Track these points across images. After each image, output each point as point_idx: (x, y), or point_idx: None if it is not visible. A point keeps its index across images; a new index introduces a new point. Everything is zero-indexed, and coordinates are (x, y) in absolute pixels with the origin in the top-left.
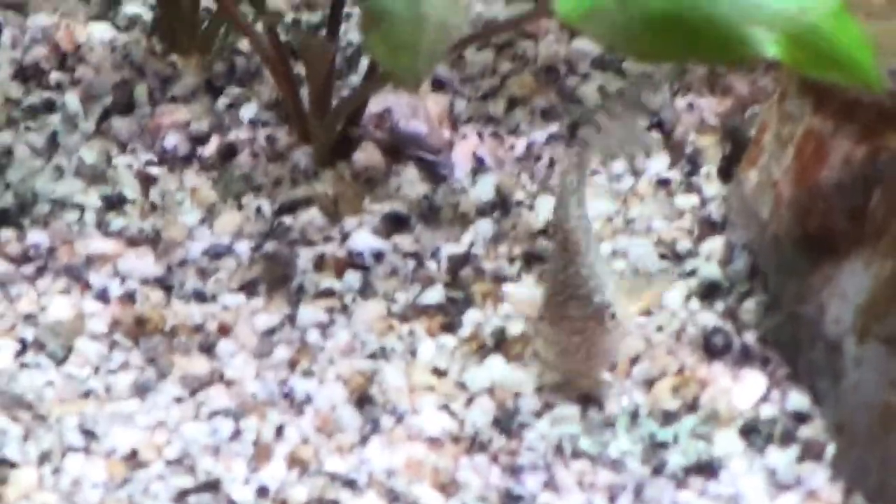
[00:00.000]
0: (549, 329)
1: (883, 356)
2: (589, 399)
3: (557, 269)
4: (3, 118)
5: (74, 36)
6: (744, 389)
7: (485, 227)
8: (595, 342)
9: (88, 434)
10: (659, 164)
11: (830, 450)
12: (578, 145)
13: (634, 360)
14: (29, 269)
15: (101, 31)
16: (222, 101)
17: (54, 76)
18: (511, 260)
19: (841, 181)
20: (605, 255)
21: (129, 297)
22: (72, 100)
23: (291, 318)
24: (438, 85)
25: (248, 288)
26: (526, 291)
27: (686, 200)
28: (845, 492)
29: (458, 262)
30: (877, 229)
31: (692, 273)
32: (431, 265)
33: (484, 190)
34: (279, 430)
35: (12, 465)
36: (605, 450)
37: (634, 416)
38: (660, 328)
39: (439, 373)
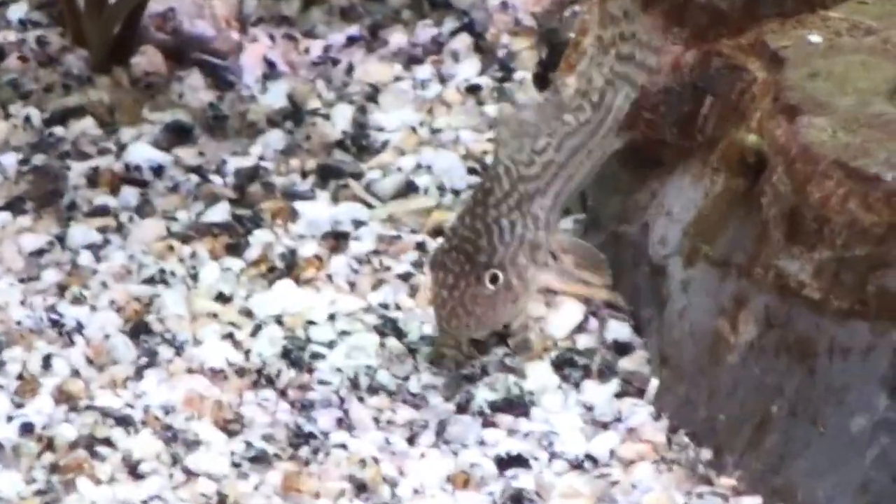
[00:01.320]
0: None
1: (713, 280)
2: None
3: (462, 212)
4: None
5: None
6: (559, 317)
7: (275, 138)
8: (464, 303)
9: None
10: (468, 68)
11: (654, 384)
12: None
13: None
14: None
15: None
16: None
17: None
18: (304, 174)
19: (669, 88)
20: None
21: None
22: None
23: (61, 239)
24: None
25: (14, 205)
26: (320, 209)
27: (497, 109)
28: (669, 430)
29: (246, 177)
30: (707, 141)
31: None
32: (216, 180)
33: (275, 97)
34: (46, 362)
35: None
36: (405, 384)
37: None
38: None
39: (224, 299)
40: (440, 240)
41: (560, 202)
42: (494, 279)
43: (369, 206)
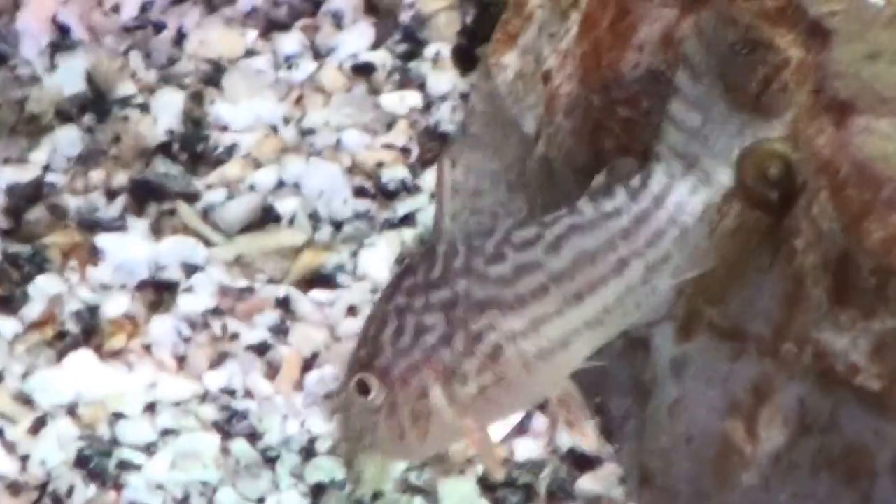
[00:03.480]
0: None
1: (720, 360)
2: None
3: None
4: None
5: None
6: None
7: (68, 139)
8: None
9: None
10: (357, 38)
11: None
12: None
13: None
14: None
15: None
16: None
17: None
18: (110, 194)
19: (655, 72)
20: None
21: None
22: None
23: None
24: None
25: None
26: (135, 246)
27: (399, 100)
28: None
29: (23, 197)
30: None
31: (407, 221)
32: None
33: (68, 78)
34: None
35: None
36: None
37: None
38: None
39: None
40: (313, 293)
41: (554, 344)
42: (364, 388)
43: (208, 242)
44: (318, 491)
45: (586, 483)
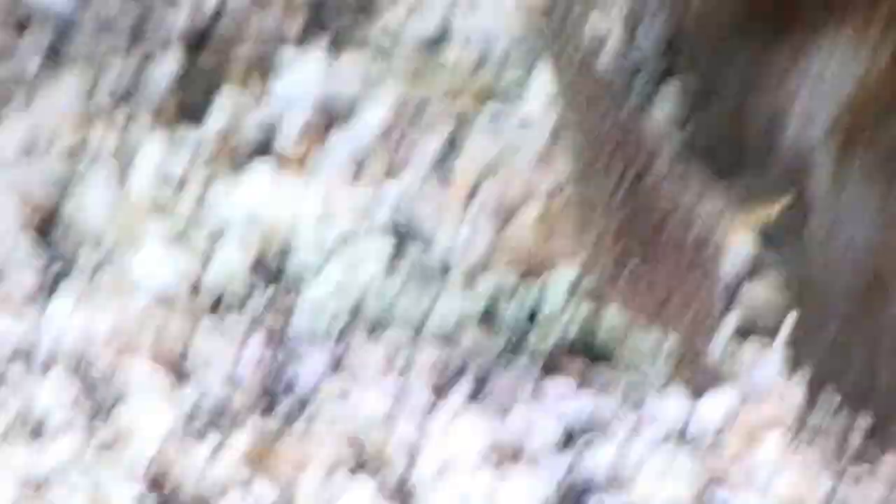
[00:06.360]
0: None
1: (880, 180)
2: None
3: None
4: None
5: None
6: None
7: None
8: (699, 288)
9: None
10: None
11: (789, 322)
12: None
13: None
14: None
15: None
16: None
17: None
18: (291, 10)
19: None
20: None
21: None
22: None
23: None
24: None
25: None
26: (318, 60)
27: None
28: (811, 387)
29: (209, 14)
30: None
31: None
32: None
33: None
34: None
35: None
36: (430, 312)
37: None
38: None
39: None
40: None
41: None
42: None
43: (385, 58)
44: (496, 295)
45: (749, 289)
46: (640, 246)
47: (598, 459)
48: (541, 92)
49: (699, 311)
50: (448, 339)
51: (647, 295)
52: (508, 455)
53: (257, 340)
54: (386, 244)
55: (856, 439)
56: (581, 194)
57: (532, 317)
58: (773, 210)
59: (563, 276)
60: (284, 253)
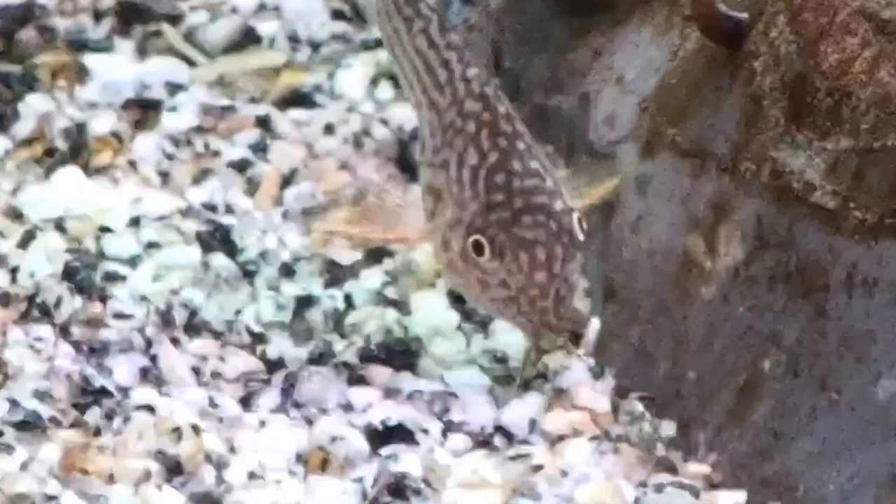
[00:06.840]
0: (492, 264)
1: (681, 177)
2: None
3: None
4: None
5: None
6: None
7: None
8: (565, 270)
9: None
10: None
11: (594, 327)
12: None
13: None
14: None
15: None
16: None
17: None
18: (97, 16)
19: None
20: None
21: None
22: None
23: None
24: None
25: None
26: (121, 66)
27: None
28: (616, 393)
29: (14, 19)
30: None
31: (382, 44)
32: None
33: None
34: None
35: None
36: (238, 319)
37: None
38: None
39: None
40: (292, 112)
41: None
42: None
43: (191, 62)
44: (302, 303)
45: None
46: (498, 229)
47: (404, 468)
48: (346, 95)
49: (553, 304)
50: (255, 347)
51: (501, 287)
52: (317, 464)
53: (66, 351)
54: (193, 252)
55: (660, 447)
56: (429, 185)
57: (339, 325)
58: (598, 194)
59: (368, 284)
60: (93, 261)
